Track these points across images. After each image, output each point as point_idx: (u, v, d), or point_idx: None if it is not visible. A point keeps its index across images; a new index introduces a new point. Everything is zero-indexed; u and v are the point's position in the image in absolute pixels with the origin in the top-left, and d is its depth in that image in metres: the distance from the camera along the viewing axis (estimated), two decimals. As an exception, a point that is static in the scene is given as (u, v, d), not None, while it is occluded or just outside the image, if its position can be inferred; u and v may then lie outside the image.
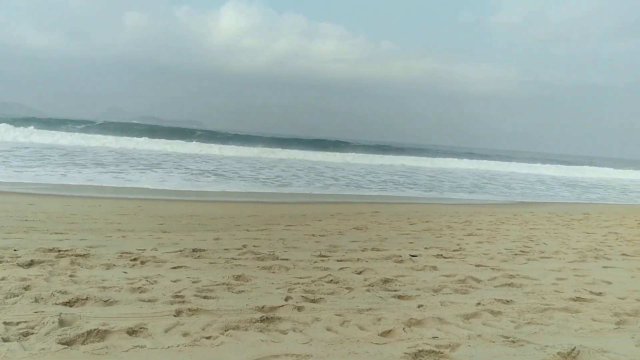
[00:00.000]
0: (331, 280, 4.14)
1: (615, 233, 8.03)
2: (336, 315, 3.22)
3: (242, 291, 3.73)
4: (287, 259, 4.83)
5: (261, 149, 33.58)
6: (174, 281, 3.91)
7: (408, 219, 9.02)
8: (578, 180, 30.95)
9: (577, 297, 3.84)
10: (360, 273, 4.47)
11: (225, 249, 5.26)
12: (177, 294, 3.54)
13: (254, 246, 5.47)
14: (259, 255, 4.92)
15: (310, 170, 22.85)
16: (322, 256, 5.13)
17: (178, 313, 3.13)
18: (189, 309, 3.19)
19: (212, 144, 32.11)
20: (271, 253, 5.05)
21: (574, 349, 2.65)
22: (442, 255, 5.45)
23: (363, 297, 3.70)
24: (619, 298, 3.88)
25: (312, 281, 4.08)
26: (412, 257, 5.22)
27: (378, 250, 5.65)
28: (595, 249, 6.27)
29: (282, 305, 3.35)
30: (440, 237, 6.94)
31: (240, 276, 4.13)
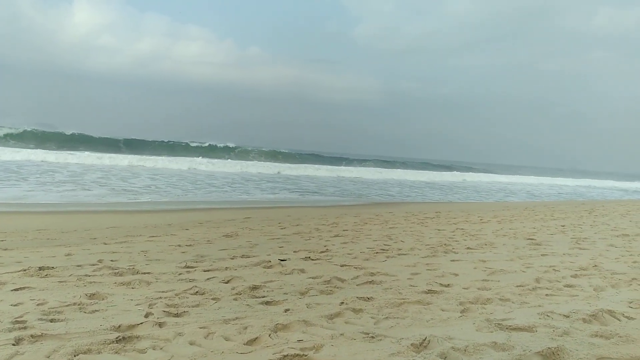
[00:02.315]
0: (197, 292, 3.99)
1: (462, 229, 8.94)
2: (200, 328, 3.11)
3: (96, 310, 3.42)
4: (148, 273, 4.56)
5: (125, 155, 31.40)
6: (15, 305, 3.46)
7: (279, 223, 9.10)
8: (436, 183, 33.95)
9: (429, 290, 4.18)
10: (228, 282, 4.38)
11: (77, 265, 4.81)
12: (18, 319, 3.14)
13: (111, 260, 5.08)
14: (116, 270, 4.57)
15: (180, 177, 21.98)
16: (187, 267, 4.94)
17: (18, 341, 2.77)
18: (31, 336, 2.84)
19: (61, 151, 29.10)
20: (131, 267, 4.73)
21: (425, 339, 2.87)
22: (309, 257, 5.58)
23: (230, 307, 3.62)
24: (464, 288, 4.31)
25: (176, 294, 3.90)
26: (282, 262, 5.26)
27: (248, 257, 5.60)
28: (445, 244, 6.91)
29: (141, 323, 3.14)
30: (309, 239, 7.12)
31: (94, 294, 3.80)
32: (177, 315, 3.39)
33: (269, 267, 5.01)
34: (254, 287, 4.13)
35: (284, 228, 8.28)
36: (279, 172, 29.94)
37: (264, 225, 8.59)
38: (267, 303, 3.72)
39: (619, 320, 3.43)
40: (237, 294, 3.97)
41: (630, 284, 4.59)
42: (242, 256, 5.59)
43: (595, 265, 5.47)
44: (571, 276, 4.91)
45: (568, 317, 3.45)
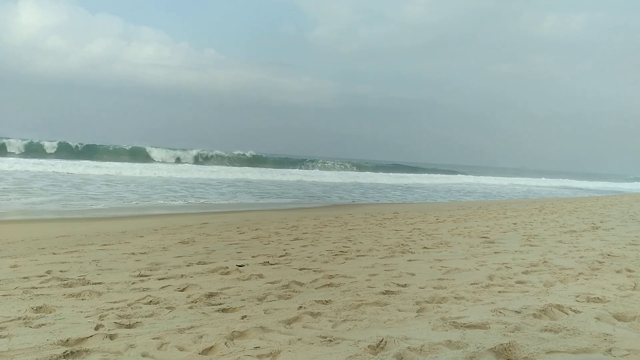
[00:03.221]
0: (150, 301, 3.88)
1: (419, 229, 9.10)
2: (154, 338, 3.02)
3: (43, 325, 3.27)
4: (100, 283, 4.40)
5: (73, 162, 30.30)
6: (-48, 323, 3.26)
7: (238, 228, 9.00)
8: (396, 184, 34.40)
9: (386, 291, 4.21)
10: (183, 290, 4.29)
11: (24, 277, 4.59)
12: (-45, 338, 2.96)
13: (60, 271, 4.87)
14: (66, 281, 4.39)
15: (137, 183, 21.40)
16: (141, 276, 4.80)
17: (-46, 363, 2.61)
18: (-31, 356, 2.68)
19: (6, 158, 27.84)
20: (81, 277, 4.55)
21: (381, 341, 2.89)
22: (268, 262, 5.53)
23: (185, 316, 3.54)
24: (420, 288, 4.38)
25: (129, 305, 3.78)
26: (239, 267, 5.19)
27: (204, 263, 5.50)
28: (402, 245, 7.01)
29: (91, 336, 3.02)
30: (268, 244, 7.06)
31: (41, 307, 3.63)
32: (129, 326, 3.28)
33: (226, 274, 4.93)
34: (210, 295, 4.06)
35: (243, 233, 8.19)
36: (239, 177, 29.63)
37: (222, 231, 8.46)
38: (223, 310, 3.66)
39: (567, 314, 3.56)
40: (192, 302, 3.89)
41: (577, 279, 4.78)
42: (199, 263, 5.48)
43: (545, 262, 5.67)
44: (522, 272, 5.07)
45: (519, 312, 3.56)
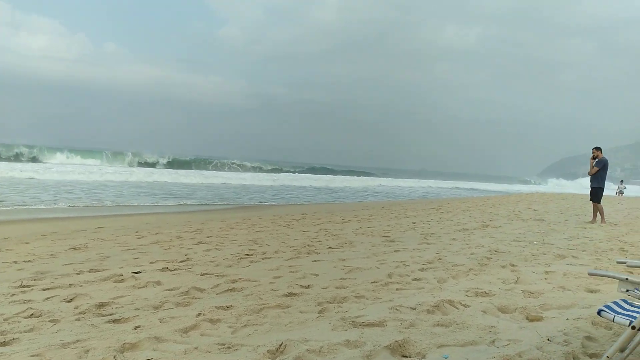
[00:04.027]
0: (32, 314, 3.54)
1: (325, 229, 9.23)
2: (32, 356, 2.75)
3: None
4: (-30, 297, 3.93)
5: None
6: None
7: (136, 232, 8.52)
8: (307, 186, 34.64)
9: (289, 293, 4.20)
10: (70, 300, 3.96)
11: None
12: None
13: None
14: None
15: (27, 185, 19.55)
16: (23, 287, 4.37)
17: None
18: None
19: None
20: (-52, 292, 4.03)
21: (281, 344, 2.87)
22: (168, 268, 5.29)
23: (71, 329, 3.26)
24: (323, 288, 4.42)
25: (5, 319, 3.41)
26: (135, 274, 4.91)
27: (97, 271, 5.13)
28: (308, 245, 7.06)
29: (-45, 358, 2.68)
30: (169, 248, 6.76)
31: None
32: (4, 344, 2.96)
33: (120, 281, 4.64)
34: (101, 305, 3.78)
35: (142, 237, 7.77)
36: (142, 178, 28.15)
37: (119, 235, 7.97)
38: (115, 321, 3.42)
39: (457, 308, 3.78)
40: (80, 313, 3.60)
41: (468, 274, 5.11)
42: (90, 270, 5.10)
43: (440, 259, 6.00)
44: (419, 270, 5.32)
45: (414, 309, 3.72)
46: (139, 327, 3.27)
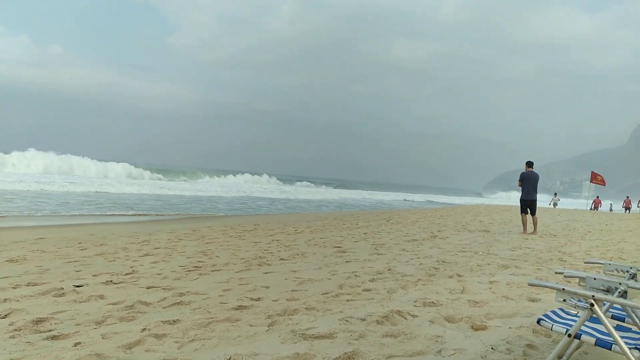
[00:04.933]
0: (-40, 332, 3.30)
1: (277, 240, 9.18)
2: (-41, 378, 2.56)
3: None
4: None
5: None
6: None
7: (80, 243, 8.16)
8: (260, 197, 34.35)
9: (239, 306, 4.14)
10: (5, 317, 3.72)
11: None
12: None
13: None
14: None
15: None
16: (-49, 302, 4.08)
17: None
18: None
19: None
20: None
21: (229, 359, 2.81)
22: (112, 281, 5.09)
23: (4, 347, 3.07)
24: (273, 300, 4.38)
25: None
26: (77, 288, 4.69)
27: (35, 284, 4.86)
28: (260, 257, 6.99)
29: None
30: (114, 260, 6.51)
31: None
32: None
33: (60, 295, 4.42)
34: (39, 320, 3.59)
35: (85, 249, 7.45)
36: (85, 190, 27.05)
37: (61, 247, 7.61)
38: (53, 338, 3.25)
39: (406, 319, 3.84)
40: (15, 330, 3.39)
41: (416, 285, 5.21)
42: (28, 284, 4.83)
43: (390, 269, 6.09)
44: (369, 280, 5.37)
45: (364, 320, 3.75)
46: (79, 343, 3.12)
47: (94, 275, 5.37)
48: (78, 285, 4.80)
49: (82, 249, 7.44)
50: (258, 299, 4.43)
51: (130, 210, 16.79)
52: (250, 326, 3.59)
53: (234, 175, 57.30)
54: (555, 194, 41.34)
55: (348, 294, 4.71)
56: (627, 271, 3.26)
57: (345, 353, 2.94)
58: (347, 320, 3.72)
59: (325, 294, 4.68)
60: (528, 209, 12.37)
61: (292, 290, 4.82)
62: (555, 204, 38.32)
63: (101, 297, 4.39)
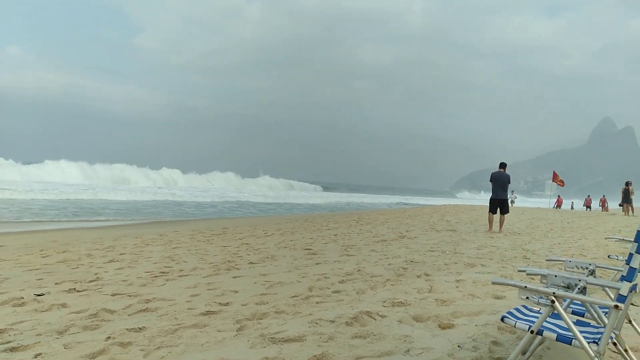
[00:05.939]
0: None
1: (247, 244, 9.11)
2: None
3: None
4: None
5: None
6: None
7: (41, 250, 7.90)
8: (228, 201, 34.01)
9: (207, 311, 4.08)
10: (-41, 329, 3.57)
11: None
12: None
13: None
14: None
15: None
16: None
17: None
18: None
19: None
20: None
21: (197, 365, 2.77)
22: (75, 289, 4.95)
23: (-42, 361, 2.94)
24: (242, 305, 4.34)
25: None
26: (38, 297, 4.54)
27: (-7, 294, 4.68)
28: (228, 261, 6.92)
29: None
30: (77, 267, 6.33)
31: None
32: None
33: (20, 305, 4.26)
34: (-4, 332, 3.45)
35: (47, 256, 7.21)
36: (55, 194, 26.20)
37: (21, 255, 7.34)
38: (12, 349, 3.13)
39: (375, 319, 3.87)
40: (-29, 343, 3.25)
41: (385, 285, 5.25)
42: (-15, 295, 4.65)
43: (359, 270, 6.13)
44: (339, 282, 5.39)
45: (334, 322, 3.75)
46: (39, 354, 3.02)
47: (56, 284, 5.20)
48: (39, 294, 4.64)
49: (43, 256, 7.21)
50: (227, 304, 4.38)
51: (95, 216, 16.37)
52: (219, 331, 3.54)
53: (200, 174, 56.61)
54: (512, 192, 42.43)
55: (318, 296, 4.71)
56: (587, 268, 3.37)
57: (315, 356, 2.94)
58: (316, 323, 3.72)
59: (294, 296, 4.66)
60: (498, 208, 12.63)
61: (261, 294, 4.79)
62: (512, 202, 39.35)
63: (63, 305, 4.26)
